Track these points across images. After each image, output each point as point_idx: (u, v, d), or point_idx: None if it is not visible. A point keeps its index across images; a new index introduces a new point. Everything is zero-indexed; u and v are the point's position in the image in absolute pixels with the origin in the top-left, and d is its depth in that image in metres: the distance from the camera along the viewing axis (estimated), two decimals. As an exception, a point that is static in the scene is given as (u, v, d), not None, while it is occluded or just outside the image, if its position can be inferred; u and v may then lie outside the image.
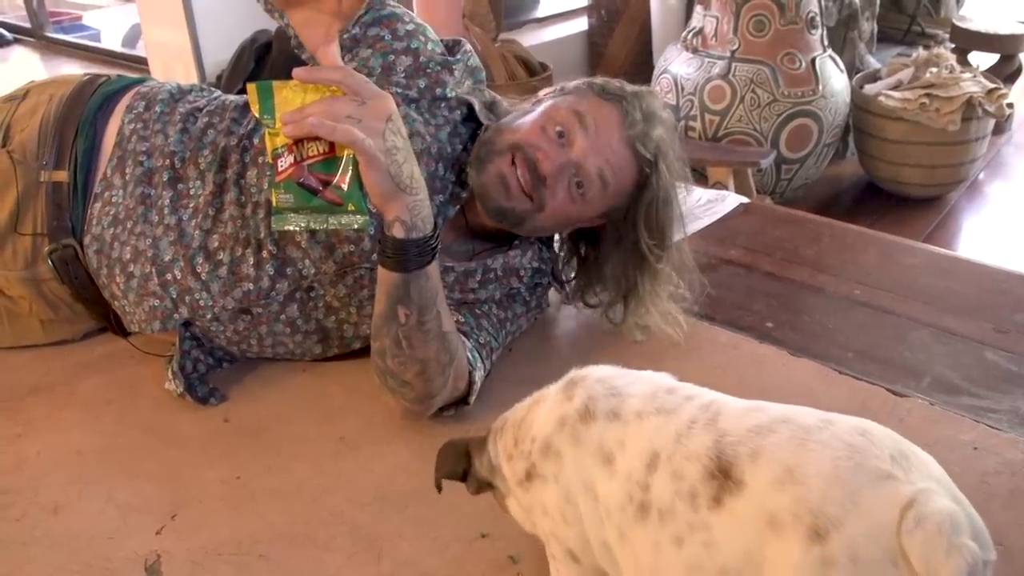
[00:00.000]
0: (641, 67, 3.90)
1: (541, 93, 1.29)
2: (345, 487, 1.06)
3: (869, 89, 3.46)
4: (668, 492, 0.68)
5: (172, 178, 1.24)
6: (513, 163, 1.16)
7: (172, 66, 3.22)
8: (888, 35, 4.25)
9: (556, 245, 1.38)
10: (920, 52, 3.52)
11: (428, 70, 1.22)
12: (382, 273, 1.03)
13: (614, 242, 1.28)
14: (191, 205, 1.23)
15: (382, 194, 0.96)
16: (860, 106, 3.44)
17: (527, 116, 1.21)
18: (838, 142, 3.51)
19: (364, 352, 1.16)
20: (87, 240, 1.25)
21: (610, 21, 4.08)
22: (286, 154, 0.94)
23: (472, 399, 1.17)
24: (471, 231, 1.28)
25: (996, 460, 1.07)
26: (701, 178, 3.04)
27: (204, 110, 1.29)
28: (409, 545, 0.97)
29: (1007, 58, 4.05)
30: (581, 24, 4.21)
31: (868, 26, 3.86)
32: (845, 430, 0.64)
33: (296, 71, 0.94)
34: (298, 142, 0.93)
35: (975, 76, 3.36)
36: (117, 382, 1.27)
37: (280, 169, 0.94)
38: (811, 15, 3.29)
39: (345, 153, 0.94)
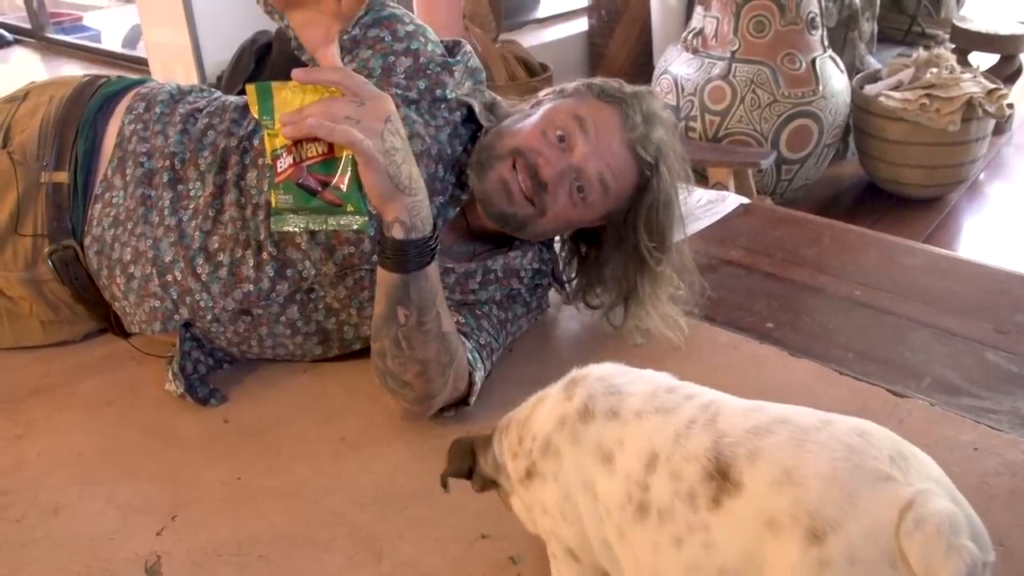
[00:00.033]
0: (641, 68, 3.90)
1: (540, 94, 1.29)
2: (345, 488, 1.07)
3: (869, 89, 3.46)
4: (667, 493, 0.68)
5: (172, 179, 1.24)
6: (514, 168, 1.16)
7: (172, 67, 3.22)
8: (888, 35, 4.25)
9: (556, 246, 1.38)
10: (920, 52, 3.52)
11: (428, 71, 1.22)
12: (381, 274, 1.03)
13: (614, 244, 1.28)
14: (191, 206, 1.23)
15: (381, 195, 0.96)
16: (860, 107, 3.44)
17: (527, 120, 1.21)
18: (838, 143, 3.51)
19: (364, 353, 1.16)
20: (87, 241, 1.25)
21: (610, 22, 4.08)
22: (285, 155, 0.94)
23: (472, 400, 1.17)
24: (471, 232, 1.28)
25: (996, 461, 1.07)
26: (701, 179, 3.04)
27: (204, 111, 1.29)
28: (409, 546, 0.97)
29: (1007, 58, 4.05)
30: (581, 25, 4.22)
31: (868, 26, 3.86)
32: (844, 431, 0.64)
33: (295, 72, 0.94)
34: (297, 143, 0.93)
35: (975, 76, 3.36)
36: (117, 383, 1.27)
37: (279, 170, 0.94)
38: (811, 16, 3.29)
39: (344, 154, 0.94)
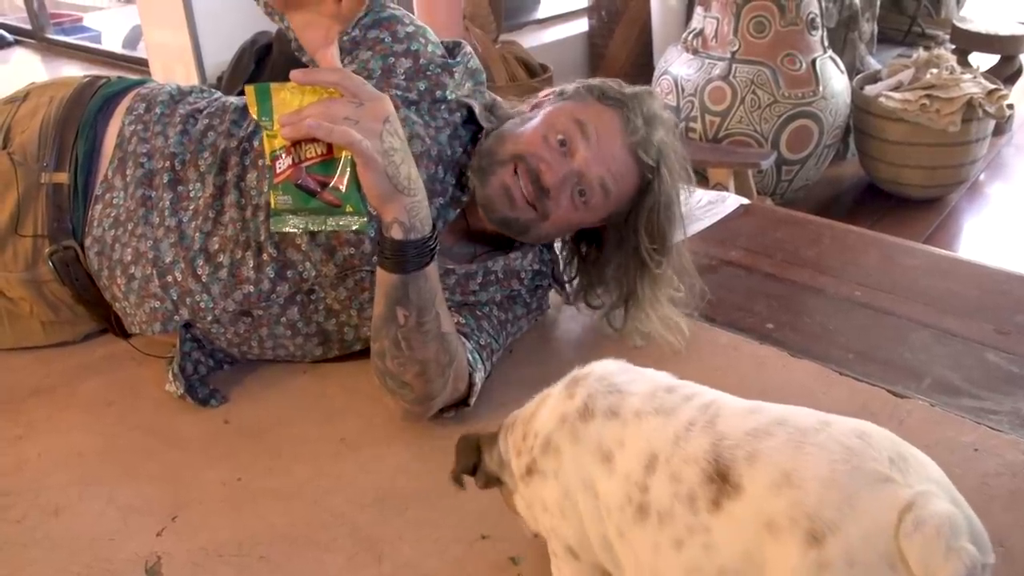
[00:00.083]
0: (642, 68, 3.90)
1: (540, 96, 1.29)
2: (346, 488, 1.07)
3: (869, 90, 3.46)
4: (667, 495, 0.68)
5: (172, 180, 1.24)
6: (516, 173, 1.17)
7: (172, 67, 3.22)
8: (888, 36, 4.26)
9: (557, 246, 1.38)
10: (920, 53, 3.52)
11: (428, 72, 1.22)
12: (381, 274, 1.03)
13: (615, 244, 1.28)
14: (191, 207, 1.23)
15: (380, 195, 0.96)
16: (860, 107, 3.44)
17: (528, 124, 1.21)
18: (838, 143, 3.51)
19: (365, 354, 1.16)
20: (88, 242, 1.25)
21: (610, 22, 4.08)
22: (284, 156, 0.94)
23: (473, 400, 1.17)
24: (472, 234, 1.28)
25: (997, 462, 1.07)
26: (702, 179, 3.04)
27: (204, 112, 1.29)
28: (410, 547, 0.97)
29: (1007, 59, 4.05)
30: (581, 25, 4.21)
31: (868, 27, 3.86)
32: (843, 432, 0.64)
33: (294, 73, 0.94)
34: (296, 144, 0.93)
35: (975, 77, 3.36)
36: (118, 383, 1.27)
37: (278, 171, 0.94)
38: (811, 16, 3.30)
39: (343, 155, 0.94)
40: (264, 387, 1.26)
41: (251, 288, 1.19)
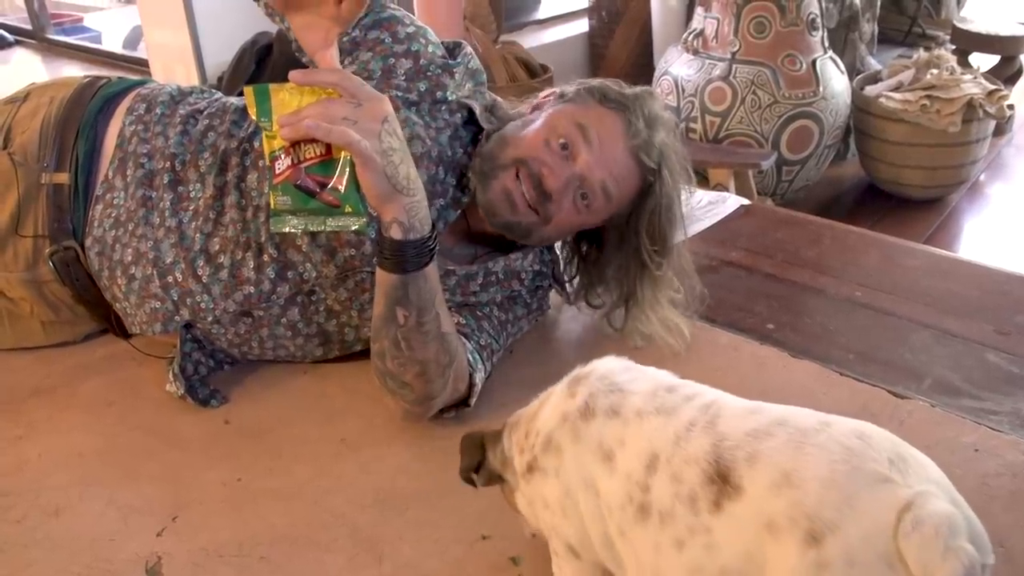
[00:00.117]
0: (642, 69, 3.90)
1: (540, 97, 1.29)
2: (346, 489, 1.07)
3: (870, 91, 3.46)
4: (668, 495, 0.68)
5: (173, 180, 1.24)
6: (517, 177, 1.16)
7: (173, 68, 3.22)
8: (889, 36, 4.26)
9: (557, 246, 1.38)
10: (921, 53, 3.52)
11: (429, 73, 1.22)
12: (380, 274, 1.03)
13: (615, 245, 1.28)
14: (191, 208, 1.23)
15: (379, 195, 0.96)
16: (861, 108, 3.44)
17: (529, 127, 1.20)
18: (839, 144, 3.51)
19: (365, 354, 1.16)
20: (88, 242, 1.25)
21: (611, 23, 4.08)
22: (283, 156, 0.94)
23: (473, 401, 1.17)
24: (472, 235, 1.28)
25: (997, 462, 1.07)
26: (702, 180, 3.04)
27: (204, 112, 1.29)
28: (410, 547, 0.97)
29: (1008, 59, 4.05)
30: (582, 26, 4.21)
31: (869, 27, 3.86)
32: (843, 433, 0.64)
33: (292, 74, 0.94)
34: (295, 144, 0.94)
35: (976, 77, 3.36)
36: (118, 384, 1.27)
37: (277, 171, 0.94)
38: (812, 17, 3.30)
39: (342, 155, 0.94)
40: (264, 387, 1.26)
41: (252, 289, 1.19)
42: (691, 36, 3.45)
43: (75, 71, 3.72)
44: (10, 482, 1.08)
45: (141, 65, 3.64)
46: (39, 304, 1.29)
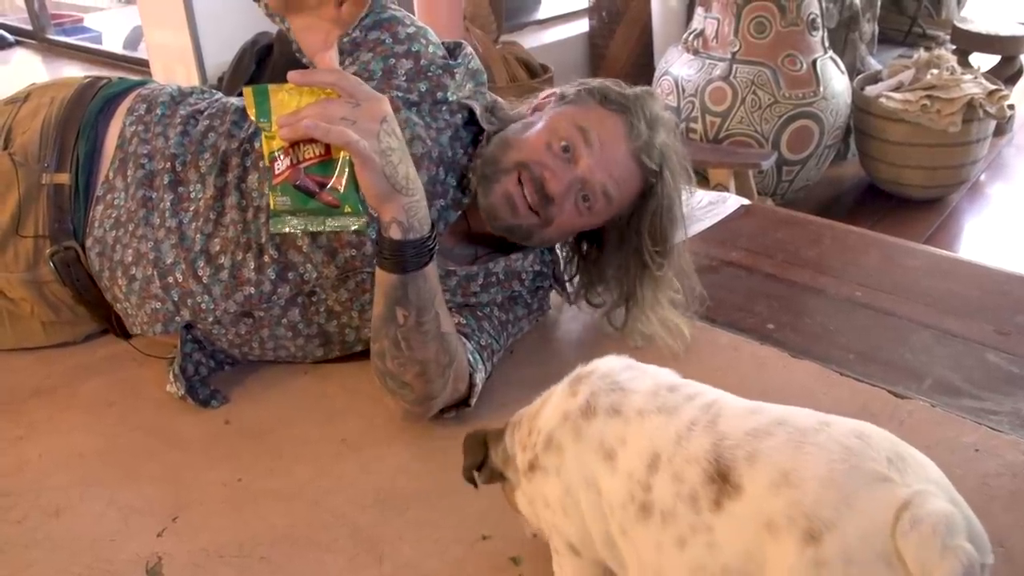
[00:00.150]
0: (642, 69, 3.90)
1: (540, 97, 1.29)
2: (346, 489, 1.07)
3: (870, 91, 3.46)
4: (670, 494, 0.69)
5: (173, 181, 1.24)
6: (519, 181, 1.16)
7: (173, 68, 3.22)
8: (889, 36, 4.26)
9: (557, 246, 1.38)
10: (921, 53, 3.52)
11: (429, 73, 1.22)
12: (380, 274, 1.03)
13: (616, 245, 1.28)
14: (192, 208, 1.23)
15: (377, 195, 0.96)
16: (861, 108, 3.44)
17: (531, 130, 1.20)
18: (839, 144, 3.51)
19: (366, 354, 1.16)
20: (89, 243, 1.25)
21: (611, 23, 4.08)
22: (282, 157, 0.94)
23: (473, 401, 1.17)
24: (473, 236, 1.28)
25: (997, 462, 1.07)
26: (702, 180, 3.04)
27: (205, 113, 1.29)
28: (410, 547, 0.97)
29: (1008, 59, 4.05)
30: (582, 26, 4.21)
31: (869, 27, 3.86)
32: (842, 432, 0.64)
33: (291, 74, 0.94)
34: (294, 145, 0.94)
35: (976, 77, 3.36)
36: (119, 384, 1.27)
37: (277, 172, 0.94)
38: (812, 17, 3.30)
39: (341, 155, 0.94)
40: (265, 388, 1.26)
41: (252, 290, 1.19)
42: (691, 36, 3.45)
43: (75, 71, 3.73)
44: (11, 482, 1.08)
45: (141, 65, 3.64)
46: (40, 304, 1.29)
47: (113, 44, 4.47)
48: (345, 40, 1.20)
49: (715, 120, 3.30)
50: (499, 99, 1.33)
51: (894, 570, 0.58)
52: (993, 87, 3.31)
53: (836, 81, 3.34)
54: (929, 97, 3.26)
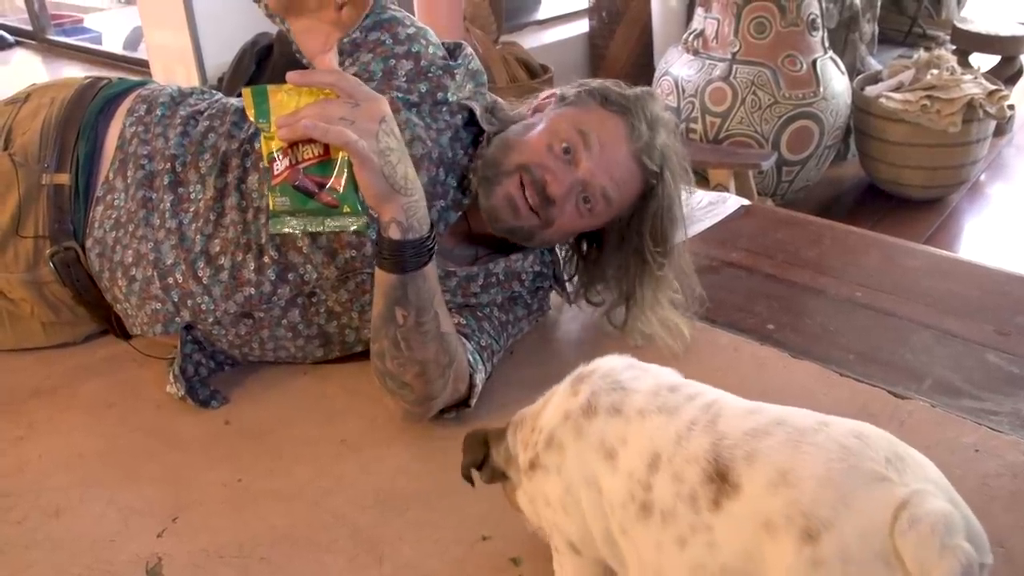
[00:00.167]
0: (642, 69, 3.90)
1: (540, 98, 1.29)
2: (346, 489, 1.07)
3: (870, 91, 3.46)
4: (670, 494, 0.69)
5: (173, 182, 1.24)
6: (521, 184, 1.16)
7: (173, 68, 3.22)
8: (889, 37, 4.26)
9: (557, 246, 1.38)
10: (921, 54, 3.52)
11: (429, 74, 1.22)
12: (379, 274, 1.03)
13: (616, 245, 1.28)
14: (192, 209, 1.23)
15: (377, 195, 0.96)
16: (861, 108, 3.44)
17: (531, 132, 1.20)
18: (839, 144, 3.51)
19: (366, 355, 1.16)
20: (89, 243, 1.25)
21: (611, 23, 4.08)
22: (281, 157, 0.94)
23: (473, 401, 1.17)
24: (473, 236, 1.28)
25: (997, 462, 1.07)
26: (702, 180, 3.04)
27: (205, 113, 1.29)
28: (410, 548, 0.97)
29: (1008, 60, 4.05)
30: (582, 26, 4.21)
31: (869, 28, 3.86)
32: (841, 432, 0.65)
33: (290, 75, 0.94)
34: (293, 145, 0.94)
35: (976, 78, 3.36)
36: (119, 385, 1.27)
37: (276, 172, 0.94)
38: (812, 17, 3.30)
39: (340, 155, 0.94)
40: (265, 388, 1.26)
41: (252, 290, 1.19)
42: (691, 36, 3.45)
43: (76, 72, 3.73)
44: (11, 483, 1.08)
45: (141, 66, 3.64)
46: (40, 305, 1.29)
47: (113, 45, 4.47)
48: (345, 41, 1.20)
49: (715, 120, 3.30)
50: (499, 100, 1.33)
51: (892, 569, 0.58)
52: (993, 87, 3.31)
53: (836, 81, 3.34)
54: (929, 97, 3.26)
